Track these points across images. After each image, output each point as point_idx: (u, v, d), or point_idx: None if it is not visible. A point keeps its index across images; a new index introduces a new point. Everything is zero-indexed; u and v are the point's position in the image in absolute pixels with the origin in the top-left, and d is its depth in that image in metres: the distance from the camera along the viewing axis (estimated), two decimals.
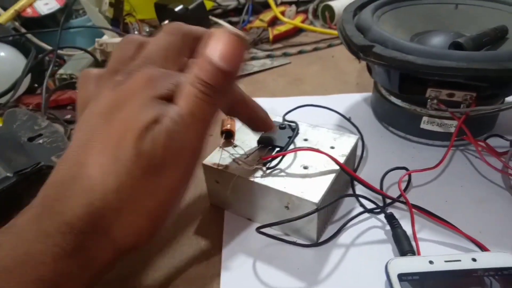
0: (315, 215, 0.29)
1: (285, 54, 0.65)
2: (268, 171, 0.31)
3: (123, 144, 0.21)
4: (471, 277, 0.26)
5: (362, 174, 0.38)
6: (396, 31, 0.42)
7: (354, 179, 0.33)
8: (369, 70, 0.44)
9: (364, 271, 0.29)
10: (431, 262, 0.27)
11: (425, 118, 0.39)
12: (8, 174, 0.33)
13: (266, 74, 0.60)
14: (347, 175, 0.33)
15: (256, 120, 0.31)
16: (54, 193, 0.22)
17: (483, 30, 0.39)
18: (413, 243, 0.30)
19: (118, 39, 0.60)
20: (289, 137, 0.34)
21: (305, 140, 0.35)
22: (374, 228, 0.33)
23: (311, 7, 0.79)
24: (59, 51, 0.58)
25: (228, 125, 0.34)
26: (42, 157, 0.36)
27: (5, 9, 0.62)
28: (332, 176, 0.31)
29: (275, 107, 0.46)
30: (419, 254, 0.29)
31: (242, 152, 0.34)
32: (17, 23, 0.62)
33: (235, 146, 0.34)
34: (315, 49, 0.67)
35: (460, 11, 0.46)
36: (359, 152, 0.39)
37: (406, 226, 0.31)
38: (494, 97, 0.38)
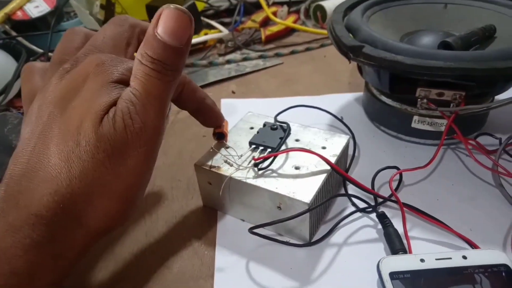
0: (307, 215, 0.29)
1: (278, 55, 0.65)
2: (260, 172, 0.32)
3: (83, 130, 0.21)
4: (462, 274, 0.26)
5: (354, 173, 0.39)
6: (385, 31, 0.42)
7: (346, 179, 0.33)
8: (360, 70, 0.44)
9: (357, 270, 0.29)
10: (422, 260, 0.27)
11: (416, 117, 0.40)
12: None
13: (259, 75, 0.60)
14: (338, 175, 0.33)
15: (205, 109, 0.31)
16: (16, 187, 0.21)
17: (472, 30, 0.39)
18: (405, 242, 0.30)
19: None
20: (281, 138, 0.35)
21: (297, 140, 0.35)
22: (366, 227, 0.33)
23: (303, 7, 0.79)
24: (50, 54, 0.58)
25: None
26: None
27: None
28: (323, 176, 0.31)
29: (267, 108, 0.46)
30: (410, 252, 0.29)
31: (234, 153, 0.34)
32: (7, 26, 0.61)
33: (228, 147, 0.34)
34: (307, 49, 0.67)
35: (449, 11, 0.46)
36: (351, 152, 0.39)
37: (397, 225, 0.31)
38: (483, 96, 0.38)
